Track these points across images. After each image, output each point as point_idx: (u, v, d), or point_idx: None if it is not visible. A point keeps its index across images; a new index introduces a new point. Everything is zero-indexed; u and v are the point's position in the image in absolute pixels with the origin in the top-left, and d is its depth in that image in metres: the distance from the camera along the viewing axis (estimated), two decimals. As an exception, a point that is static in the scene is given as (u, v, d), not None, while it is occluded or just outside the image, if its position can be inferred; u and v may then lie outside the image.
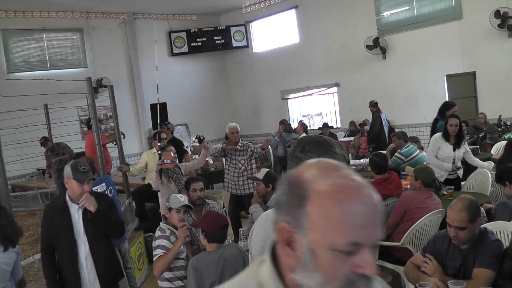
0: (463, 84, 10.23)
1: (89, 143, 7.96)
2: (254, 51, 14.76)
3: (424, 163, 5.52)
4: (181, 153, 7.75)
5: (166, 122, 8.01)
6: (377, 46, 11.16)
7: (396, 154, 6.43)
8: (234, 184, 6.08)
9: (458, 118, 5.61)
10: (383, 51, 11.25)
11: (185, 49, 14.14)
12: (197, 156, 7.32)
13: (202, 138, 6.07)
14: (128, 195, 6.73)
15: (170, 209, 3.84)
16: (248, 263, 3.18)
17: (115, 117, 6.91)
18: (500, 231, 3.34)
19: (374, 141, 9.25)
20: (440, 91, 10.58)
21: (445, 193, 4.95)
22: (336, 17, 12.23)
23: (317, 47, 12.81)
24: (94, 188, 4.64)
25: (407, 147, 6.45)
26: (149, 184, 6.42)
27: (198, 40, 14.16)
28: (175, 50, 14.05)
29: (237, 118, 13.57)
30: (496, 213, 3.95)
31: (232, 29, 14.49)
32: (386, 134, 9.30)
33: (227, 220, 3.72)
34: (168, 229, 3.76)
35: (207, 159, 8.17)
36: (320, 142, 1.65)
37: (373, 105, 9.52)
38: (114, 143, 7.45)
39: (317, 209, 0.91)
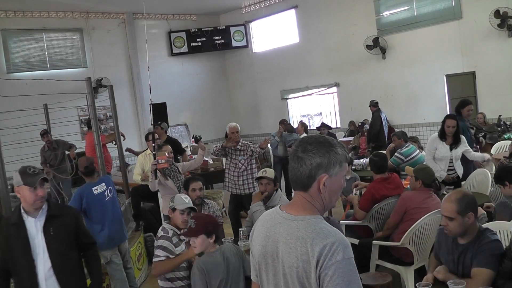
0: (463, 84, 10.24)
1: (89, 143, 7.96)
2: (253, 51, 14.76)
3: (424, 163, 5.52)
4: (178, 152, 7.74)
5: (159, 122, 7.98)
6: (376, 46, 11.16)
7: (396, 154, 6.44)
8: (234, 183, 6.08)
9: (455, 119, 5.61)
10: (383, 51, 11.26)
11: (184, 49, 14.15)
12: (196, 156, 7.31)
13: (198, 137, 6.06)
14: (128, 195, 6.73)
15: (174, 209, 3.80)
16: (244, 259, 3.23)
17: (115, 117, 6.90)
18: (500, 231, 3.34)
19: (374, 140, 9.26)
20: (439, 91, 10.59)
21: (445, 193, 4.95)
22: (336, 17, 12.23)
23: (317, 47, 12.81)
24: (94, 188, 4.66)
25: (407, 147, 6.45)
26: (147, 184, 6.41)
27: (197, 40, 14.17)
28: (175, 50, 14.06)
29: (237, 118, 13.59)
30: (496, 213, 3.95)
31: (232, 29, 14.51)
32: (386, 134, 9.31)
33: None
34: (171, 229, 3.74)
35: (206, 159, 8.18)
36: (322, 142, 1.65)
37: (374, 105, 9.53)
38: (114, 143, 7.45)
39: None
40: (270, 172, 4.51)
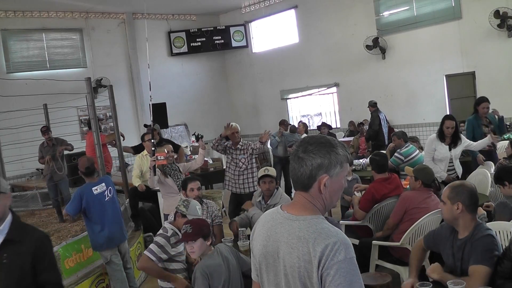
0: (463, 84, 10.24)
1: (89, 142, 7.95)
2: (253, 51, 14.76)
3: (423, 163, 5.52)
4: (174, 150, 7.73)
5: (150, 124, 7.99)
6: (376, 46, 11.17)
7: (395, 154, 6.44)
8: (234, 182, 6.09)
9: (454, 120, 5.62)
10: (383, 51, 11.26)
11: (184, 49, 14.15)
12: (197, 156, 7.30)
13: (200, 136, 6.03)
14: (127, 195, 6.73)
15: (183, 215, 3.76)
16: (238, 257, 3.28)
17: (115, 117, 6.91)
18: (500, 231, 3.34)
19: (372, 139, 9.26)
20: (439, 91, 10.59)
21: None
22: (336, 17, 12.24)
23: (317, 47, 12.82)
24: (93, 188, 4.66)
25: (406, 147, 6.45)
26: (146, 185, 6.41)
27: (197, 40, 14.17)
28: (175, 50, 14.05)
29: (236, 118, 13.59)
30: (495, 213, 3.95)
31: (232, 29, 14.50)
32: (386, 134, 9.30)
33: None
34: (172, 229, 3.76)
35: (206, 159, 8.17)
36: (323, 143, 1.65)
37: (372, 105, 9.53)
38: (114, 142, 7.45)
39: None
40: (272, 170, 4.66)
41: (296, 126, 10.15)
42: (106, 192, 4.76)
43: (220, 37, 14.42)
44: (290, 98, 14.05)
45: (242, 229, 4.31)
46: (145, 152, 6.70)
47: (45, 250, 2.37)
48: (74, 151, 8.69)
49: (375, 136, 9.22)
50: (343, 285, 1.49)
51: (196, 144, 11.40)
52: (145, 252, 3.63)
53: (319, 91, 13.17)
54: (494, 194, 5.12)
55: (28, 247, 2.30)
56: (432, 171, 4.61)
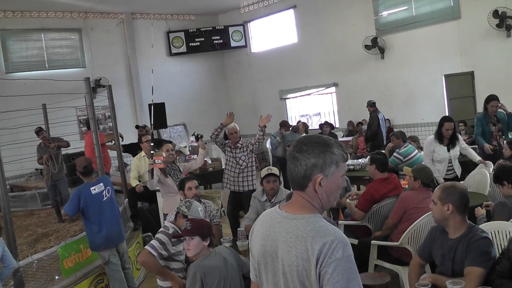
0: (462, 84, 10.24)
1: (89, 143, 7.95)
2: (252, 51, 14.76)
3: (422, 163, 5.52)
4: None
5: (143, 125, 8.02)
6: (375, 46, 11.17)
7: (394, 154, 6.44)
8: (233, 181, 6.10)
9: (452, 121, 5.63)
10: (382, 51, 11.26)
11: (183, 49, 14.14)
12: (196, 156, 7.30)
13: (200, 136, 6.02)
14: (126, 195, 6.72)
15: (185, 216, 3.77)
16: (238, 258, 3.28)
17: (114, 117, 6.90)
18: (498, 231, 3.34)
19: (371, 139, 9.26)
20: (438, 91, 10.60)
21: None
22: (335, 17, 12.24)
23: (316, 47, 12.82)
24: (92, 188, 4.66)
25: (405, 147, 6.45)
26: (145, 185, 6.40)
27: (196, 40, 14.16)
28: (174, 50, 14.04)
29: (235, 118, 13.44)
30: (494, 213, 3.95)
31: (231, 29, 14.50)
32: (384, 134, 9.31)
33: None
34: (173, 227, 3.80)
35: (205, 159, 8.17)
36: (318, 143, 1.66)
37: (371, 105, 9.53)
38: (113, 142, 7.45)
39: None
40: (275, 170, 4.75)
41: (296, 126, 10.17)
42: (104, 192, 4.76)
43: (219, 37, 14.41)
44: (289, 98, 14.05)
45: (241, 229, 4.30)
46: (143, 153, 6.71)
47: None
48: (73, 151, 8.69)
49: (373, 136, 9.23)
50: (341, 283, 1.49)
51: (195, 144, 11.40)
52: (146, 246, 3.66)
53: (318, 91, 13.17)
54: (493, 194, 5.12)
55: None
56: (431, 171, 4.61)
